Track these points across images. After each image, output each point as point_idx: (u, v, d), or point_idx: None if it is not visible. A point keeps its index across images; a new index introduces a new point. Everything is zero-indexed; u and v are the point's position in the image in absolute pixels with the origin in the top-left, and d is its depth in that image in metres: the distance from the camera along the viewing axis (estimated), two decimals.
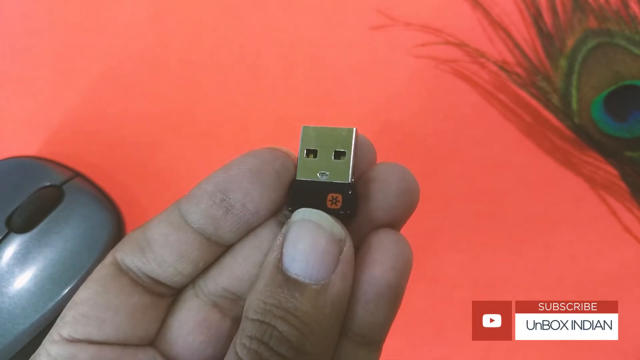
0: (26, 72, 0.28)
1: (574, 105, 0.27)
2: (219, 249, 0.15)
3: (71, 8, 0.28)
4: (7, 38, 0.28)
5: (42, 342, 0.14)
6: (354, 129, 0.15)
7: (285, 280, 0.13)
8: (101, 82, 0.27)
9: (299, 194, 0.14)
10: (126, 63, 0.28)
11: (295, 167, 0.15)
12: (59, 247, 0.23)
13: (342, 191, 0.14)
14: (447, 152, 0.27)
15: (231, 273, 0.15)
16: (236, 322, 0.16)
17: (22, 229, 0.23)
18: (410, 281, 0.27)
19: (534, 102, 0.27)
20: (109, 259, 0.15)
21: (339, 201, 0.14)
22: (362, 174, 0.15)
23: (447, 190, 0.27)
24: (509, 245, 0.26)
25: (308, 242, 0.13)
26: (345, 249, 0.13)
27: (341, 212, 0.14)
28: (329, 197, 0.14)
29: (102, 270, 0.14)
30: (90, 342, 0.14)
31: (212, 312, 0.15)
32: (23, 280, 0.23)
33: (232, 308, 0.16)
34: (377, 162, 0.15)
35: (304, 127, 0.15)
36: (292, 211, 0.14)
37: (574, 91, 0.27)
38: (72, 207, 0.24)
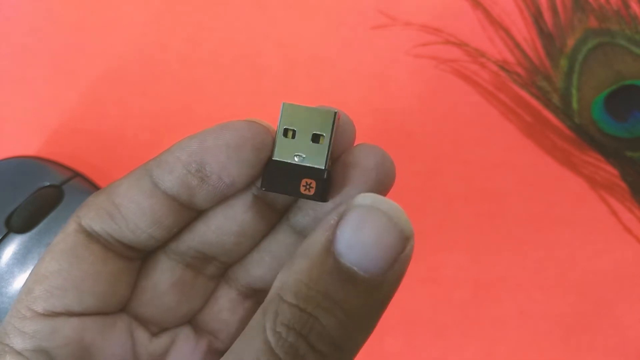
0: (26, 72, 0.28)
1: (575, 105, 0.27)
2: (192, 214, 0.15)
3: (71, 8, 0.28)
4: (7, 38, 0.28)
5: (6, 320, 0.14)
6: (335, 112, 0.14)
7: (337, 268, 0.12)
8: (101, 82, 0.27)
9: (273, 175, 0.14)
10: (126, 63, 0.28)
11: (273, 143, 0.14)
12: None
13: (316, 177, 0.14)
14: (447, 152, 0.27)
15: (204, 238, 0.15)
16: (210, 279, 0.16)
17: (21, 229, 0.23)
18: (410, 281, 0.27)
19: (535, 102, 0.27)
20: (72, 226, 0.14)
21: (312, 187, 0.14)
22: (341, 156, 0.15)
23: (447, 190, 0.27)
24: (509, 245, 0.26)
25: (374, 233, 0.12)
26: (408, 247, 0.12)
27: (313, 199, 0.14)
28: (303, 182, 0.14)
29: (69, 239, 0.14)
30: (71, 314, 0.14)
31: (186, 272, 0.15)
32: (23, 280, 0.23)
33: (204, 266, 0.16)
34: (355, 143, 0.15)
35: (284, 104, 0.14)
36: (265, 191, 0.14)
37: (574, 91, 0.27)
38: (71, 207, 0.24)
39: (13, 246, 0.23)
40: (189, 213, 0.15)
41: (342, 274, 0.12)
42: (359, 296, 0.12)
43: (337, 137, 0.14)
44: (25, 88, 0.27)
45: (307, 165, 0.14)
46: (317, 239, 0.13)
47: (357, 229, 0.12)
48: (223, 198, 0.15)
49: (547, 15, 0.28)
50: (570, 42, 0.28)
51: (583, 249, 0.26)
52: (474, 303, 0.26)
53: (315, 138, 0.14)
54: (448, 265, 0.26)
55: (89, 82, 0.27)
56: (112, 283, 0.14)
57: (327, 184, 0.14)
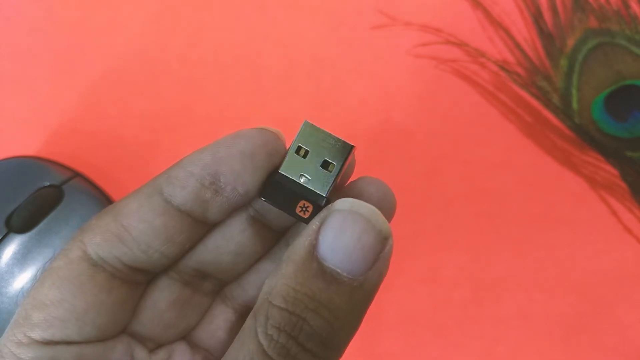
0: (26, 72, 0.28)
1: (575, 105, 0.27)
2: (204, 228, 0.15)
3: (71, 8, 0.28)
4: (7, 38, 0.28)
5: (1, 343, 0.13)
6: (352, 146, 0.14)
7: (321, 271, 0.12)
8: (101, 82, 0.27)
9: (275, 187, 0.14)
10: (126, 63, 0.28)
11: (283, 156, 0.14)
12: (58, 247, 0.23)
13: (315, 202, 0.14)
14: (447, 152, 0.27)
15: (202, 257, 0.15)
16: (207, 295, 0.16)
17: (21, 229, 0.23)
18: (410, 281, 0.27)
19: (535, 102, 0.27)
20: (76, 252, 0.14)
21: (308, 211, 0.14)
22: (341, 187, 0.15)
23: (447, 190, 0.27)
24: (509, 245, 0.26)
25: (354, 236, 0.13)
26: (387, 247, 0.13)
27: (305, 222, 0.14)
28: (301, 203, 0.14)
29: (72, 266, 0.14)
30: (70, 343, 0.13)
31: (184, 290, 0.16)
32: (23, 280, 0.23)
33: (201, 283, 0.16)
34: (356, 169, 0.15)
35: (306, 123, 0.14)
36: (264, 201, 0.14)
37: (574, 91, 0.27)
38: (71, 207, 0.24)
39: (13, 246, 0.23)
40: (202, 227, 0.15)
41: (326, 276, 0.12)
42: (344, 296, 0.12)
43: (345, 169, 0.15)
44: (25, 88, 0.27)
45: (310, 188, 0.14)
46: (301, 244, 0.13)
47: (338, 233, 0.13)
48: (235, 209, 0.15)
49: (547, 15, 0.28)
50: (570, 42, 0.28)
51: (583, 249, 0.26)
52: (474, 303, 0.26)
53: (325, 164, 0.14)
54: (448, 265, 0.26)
55: (89, 82, 0.27)
56: (115, 313, 0.14)
57: None
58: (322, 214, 0.13)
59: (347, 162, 0.14)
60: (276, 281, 0.13)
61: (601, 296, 0.26)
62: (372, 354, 0.26)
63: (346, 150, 0.14)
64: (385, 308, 0.26)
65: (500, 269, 0.26)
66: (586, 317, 0.26)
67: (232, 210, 0.15)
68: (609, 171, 0.27)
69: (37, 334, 0.13)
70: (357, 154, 0.15)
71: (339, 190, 0.15)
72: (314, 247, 0.13)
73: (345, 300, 0.12)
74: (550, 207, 0.27)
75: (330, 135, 0.14)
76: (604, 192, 0.27)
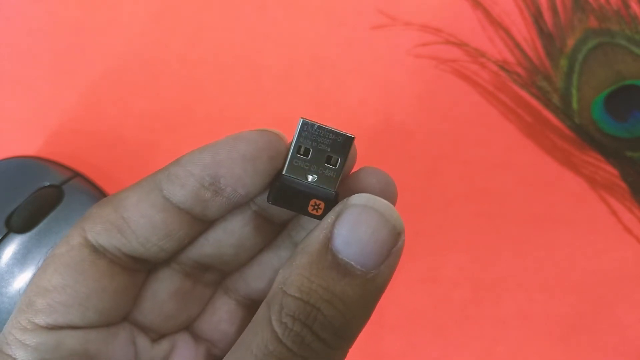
0: (26, 72, 0.28)
1: (575, 105, 0.27)
2: (204, 225, 0.15)
3: (71, 8, 0.28)
4: (7, 38, 0.28)
5: (6, 330, 0.13)
6: (353, 137, 0.14)
7: (335, 263, 0.13)
8: (101, 82, 0.27)
9: (282, 190, 0.14)
10: (126, 63, 0.28)
11: (285, 157, 0.14)
12: None
13: (325, 199, 0.14)
14: (447, 152, 0.27)
15: (202, 250, 0.15)
16: (208, 286, 0.16)
17: (21, 229, 0.23)
18: (411, 281, 0.27)
19: (535, 102, 0.27)
20: (76, 239, 0.14)
21: (320, 209, 0.14)
22: (344, 178, 0.15)
23: (447, 190, 0.27)
24: (509, 245, 0.26)
25: (369, 230, 0.13)
26: (399, 242, 0.13)
27: (319, 219, 0.14)
28: (312, 202, 0.14)
29: (74, 253, 0.14)
30: (74, 327, 0.14)
31: (185, 281, 0.16)
32: (23, 280, 0.23)
33: (203, 275, 0.16)
34: (356, 165, 0.15)
35: (303, 121, 0.14)
36: (273, 204, 0.14)
37: (574, 91, 0.27)
38: (71, 207, 0.24)
39: (13, 246, 0.23)
40: (201, 224, 0.15)
41: (340, 269, 0.13)
42: (357, 288, 0.13)
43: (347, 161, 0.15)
44: (25, 88, 0.27)
45: (318, 186, 0.14)
46: (316, 237, 0.13)
47: (353, 227, 0.13)
48: (236, 207, 0.15)
49: (547, 15, 0.28)
50: (570, 42, 0.28)
51: (583, 249, 0.26)
52: (474, 303, 0.26)
53: (329, 159, 0.14)
54: (448, 265, 0.26)
55: (89, 82, 0.27)
56: (116, 298, 0.14)
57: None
58: (337, 208, 0.13)
59: (349, 154, 0.14)
60: (290, 271, 0.13)
61: (601, 296, 0.26)
62: (372, 353, 0.26)
63: (347, 142, 0.14)
64: (385, 308, 0.26)
65: (500, 269, 0.26)
66: (586, 317, 0.26)
67: (233, 209, 0.15)
68: (609, 171, 0.27)
69: (41, 320, 0.13)
70: (357, 153, 0.15)
71: (342, 181, 0.15)
72: (328, 239, 0.13)
73: (357, 293, 0.13)
74: (550, 207, 0.27)
75: (329, 129, 0.14)
76: (604, 192, 0.27)
